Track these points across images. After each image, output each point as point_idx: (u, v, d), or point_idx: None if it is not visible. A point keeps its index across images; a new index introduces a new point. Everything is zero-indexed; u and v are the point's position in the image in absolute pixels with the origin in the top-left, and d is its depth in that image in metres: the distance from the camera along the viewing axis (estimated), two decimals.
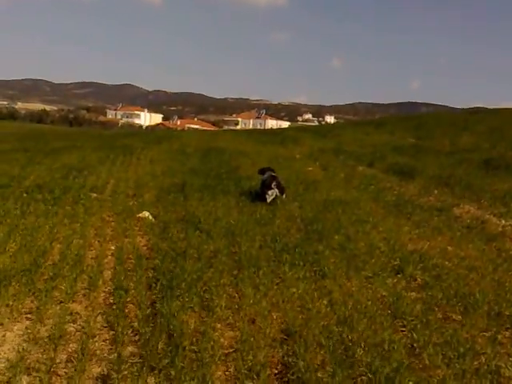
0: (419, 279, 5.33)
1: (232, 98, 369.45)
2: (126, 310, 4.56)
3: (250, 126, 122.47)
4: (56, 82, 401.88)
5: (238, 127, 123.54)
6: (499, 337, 4.09)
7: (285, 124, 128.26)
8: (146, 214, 8.05)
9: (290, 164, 14.02)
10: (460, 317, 4.44)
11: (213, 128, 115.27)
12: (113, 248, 6.45)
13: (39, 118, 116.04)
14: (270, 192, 8.77)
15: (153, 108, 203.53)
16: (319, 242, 6.47)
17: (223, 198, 9.03)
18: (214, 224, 7.22)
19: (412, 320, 4.29)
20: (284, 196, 8.97)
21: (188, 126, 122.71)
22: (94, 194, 9.53)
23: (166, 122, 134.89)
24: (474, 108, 36.73)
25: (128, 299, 4.74)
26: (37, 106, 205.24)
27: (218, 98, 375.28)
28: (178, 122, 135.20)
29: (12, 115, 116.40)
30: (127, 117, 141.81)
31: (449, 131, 20.34)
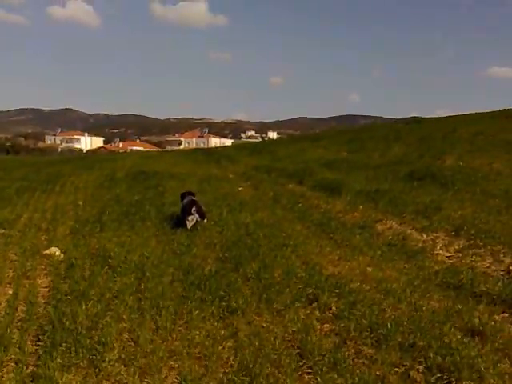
0: (334, 308, 4.99)
1: (175, 118, 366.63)
2: (4, 370, 4.01)
3: (194, 145, 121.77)
4: None
5: (182, 147, 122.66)
6: (411, 373, 3.77)
7: (228, 142, 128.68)
8: (54, 250, 7.45)
9: (220, 185, 13.65)
10: (371, 350, 4.11)
11: (155, 149, 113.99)
12: (10, 292, 5.87)
13: None
14: (189, 218, 8.37)
15: (95, 131, 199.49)
16: (235, 271, 6.09)
17: (142, 227, 8.58)
18: (125, 258, 6.71)
19: (319, 360, 3.93)
20: (205, 221, 8.56)
21: (130, 148, 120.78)
22: (2, 230, 8.85)
23: (108, 145, 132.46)
24: (410, 118, 37.23)
25: (8, 357, 4.19)
26: None
27: (161, 118, 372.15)
28: (120, 145, 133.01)
29: None
30: (67, 142, 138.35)
31: (380, 143, 20.47)
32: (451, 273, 5.84)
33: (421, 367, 3.87)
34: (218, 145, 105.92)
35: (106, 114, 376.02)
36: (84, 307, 5.04)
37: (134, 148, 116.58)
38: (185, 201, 8.82)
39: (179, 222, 8.58)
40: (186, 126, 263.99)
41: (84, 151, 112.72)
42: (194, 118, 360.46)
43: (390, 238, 7.47)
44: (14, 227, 9.15)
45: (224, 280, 5.71)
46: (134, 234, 8.06)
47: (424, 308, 4.90)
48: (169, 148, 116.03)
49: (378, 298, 5.18)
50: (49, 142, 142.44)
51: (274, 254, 6.65)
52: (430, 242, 7.12)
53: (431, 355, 3.92)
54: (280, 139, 45.94)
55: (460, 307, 4.85)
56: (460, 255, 6.57)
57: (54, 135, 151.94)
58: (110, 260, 6.62)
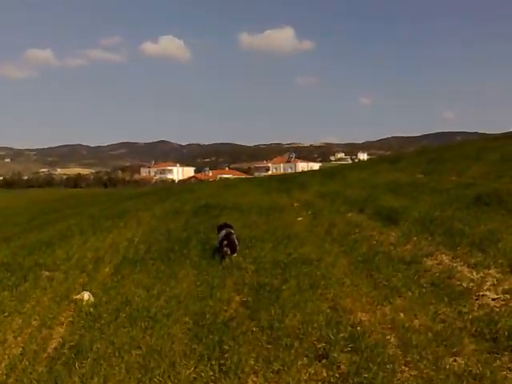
0: (343, 366, 4.39)
1: (264, 145, 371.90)
2: None
3: (281, 171, 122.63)
4: (92, 146, 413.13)
5: (270, 173, 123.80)
6: None
7: (316, 166, 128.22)
8: (85, 294, 7.31)
9: (279, 215, 13.21)
10: None
11: (244, 175, 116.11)
12: (21, 346, 5.72)
13: (74, 182, 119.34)
14: (222, 252, 8.39)
15: (187, 161, 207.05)
16: (251, 319, 5.63)
17: (179, 266, 8.36)
18: (143, 305, 6.44)
19: None
20: (234, 255, 8.42)
21: (220, 175, 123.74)
22: (47, 273, 8.89)
23: (198, 175, 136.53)
24: (505, 133, 34.22)
25: None
26: (75, 171, 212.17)
27: (251, 145, 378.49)
28: (210, 173, 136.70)
29: (48, 182, 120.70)
30: (160, 173, 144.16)
31: (461, 163, 19.19)
32: (489, 320, 5.03)
33: None
34: (305, 169, 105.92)
35: (198, 144, 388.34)
36: (77, 367, 4.80)
37: (224, 176, 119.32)
38: (220, 234, 8.70)
39: (216, 253, 8.63)
40: (275, 151, 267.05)
41: (176, 181, 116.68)
42: (283, 143, 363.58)
43: (436, 275, 6.67)
44: (59, 269, 9.17)
45: (234, 331, 5.27)
46: (167, 275, 7.83)
47: (447, 367, 4.20)
48: (256, 174, 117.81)
49: (397, 355, 4.52)
50: (144, 174, 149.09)
51: (299, 298, 6.12)
52: (480, 280, 6.26)
53: None
54: (360, 162, 44.93)
55: (489, 364, 4.11)
56: (508, 297, 5.68)
57: (149, 167, 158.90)
58: (127, 307, 6.39)
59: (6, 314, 6.73)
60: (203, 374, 4.43)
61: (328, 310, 5.75)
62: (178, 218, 14.75)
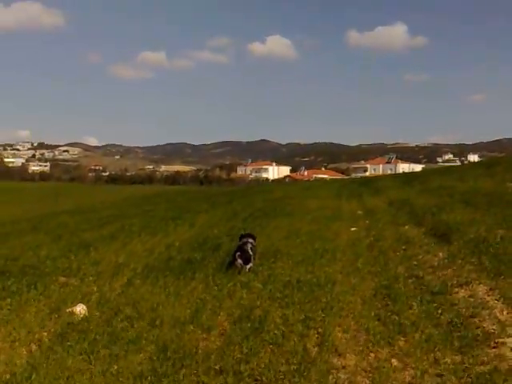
0: None
1: (366, 144, 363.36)
2: None
3: (380, 172, 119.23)
4: (196, 144, 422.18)
5: (367, 174, 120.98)
6: None
7: (418, 167, 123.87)
8: (78, 308, 6.81)
9: (332, 224, 12.27)
10: None
11: (340, 176, 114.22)
12: None
13: (173, 179, 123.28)
14: (235, 263, 7.75)
15: (286, 161, 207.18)
16: (218, 355, 4.84)
17: (191, 279, 7.71)
18: (120, 328, 5.83)
19: None
20: (248, 266, 7.69)
21: (315, 175, 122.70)
22: (63, 278, 8.56)
23: (293, 174, 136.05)
24: None
25: None
26: (177, 168, 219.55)
27: (352, 145, 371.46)
28: (305, 173, 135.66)
29: (149, 178, 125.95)
30: (256, 172, 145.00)
31: None
32: (495, 380, 3.91)
33: None
34: (406, 170, 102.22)
35: (297, 143, 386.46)
36: None
37: (319, 176, 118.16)
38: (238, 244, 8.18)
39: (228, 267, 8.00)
40: (377, 152, 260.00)
41: (270, 180, 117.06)
42: (387, 143, 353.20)
43: (459, 311, 5.52)
44: (77, 275, 8.81)
45: (189, 369, 4.52)
46: (168, 291, 7.16)
47: None
48: (353, 175, 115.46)
49: None
50: (240, 172, 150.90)
51: (284, 331, 5.24)
52: (508, 323, 5.05)
53: None
54: (452, 167, 42.35)
55: None
56: None
57: (245, 165, 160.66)
58: (103, 327, 5.83)
59: None
60: None
61: (313, 349, 4.85)
62: (230, 222, 14.29)
